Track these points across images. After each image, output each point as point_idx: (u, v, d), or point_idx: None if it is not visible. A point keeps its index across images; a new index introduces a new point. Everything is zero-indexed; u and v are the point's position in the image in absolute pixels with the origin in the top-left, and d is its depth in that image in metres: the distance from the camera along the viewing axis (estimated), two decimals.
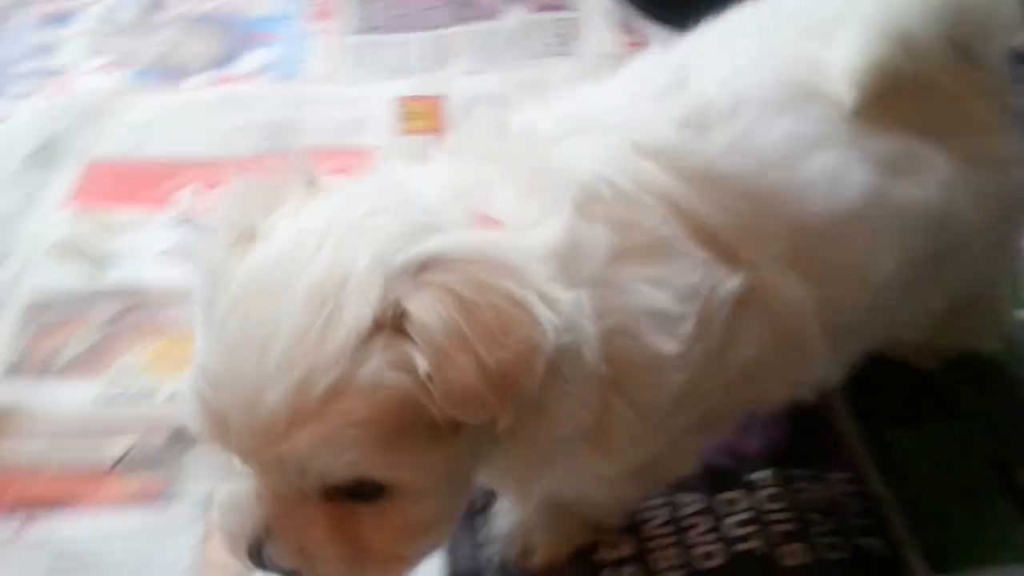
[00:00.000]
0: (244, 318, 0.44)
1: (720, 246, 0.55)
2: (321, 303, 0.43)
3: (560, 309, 0.45)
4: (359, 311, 0.43)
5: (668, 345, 0.52)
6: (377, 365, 0.43)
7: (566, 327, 0.45)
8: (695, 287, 0.53)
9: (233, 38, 1.32)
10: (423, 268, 0.44)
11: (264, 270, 0.46)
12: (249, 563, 0.49)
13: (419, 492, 0.47)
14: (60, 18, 1.35)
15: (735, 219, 0.55)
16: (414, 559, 0.51)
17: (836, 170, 0.57)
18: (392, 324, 0.43)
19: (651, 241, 0.53)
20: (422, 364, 0.42)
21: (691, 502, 0.72)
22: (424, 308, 0.43)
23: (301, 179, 0.50)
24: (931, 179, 0.59)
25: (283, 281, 0.44)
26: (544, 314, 0.44)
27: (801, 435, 0.77)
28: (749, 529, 0.70)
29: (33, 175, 1.06)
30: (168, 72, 1.25)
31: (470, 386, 0.42)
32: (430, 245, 0.45)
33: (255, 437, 0.44)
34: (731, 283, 0.54)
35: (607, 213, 0.52)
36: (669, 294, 0.52)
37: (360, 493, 0.46)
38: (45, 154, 1.08)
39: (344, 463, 0.44)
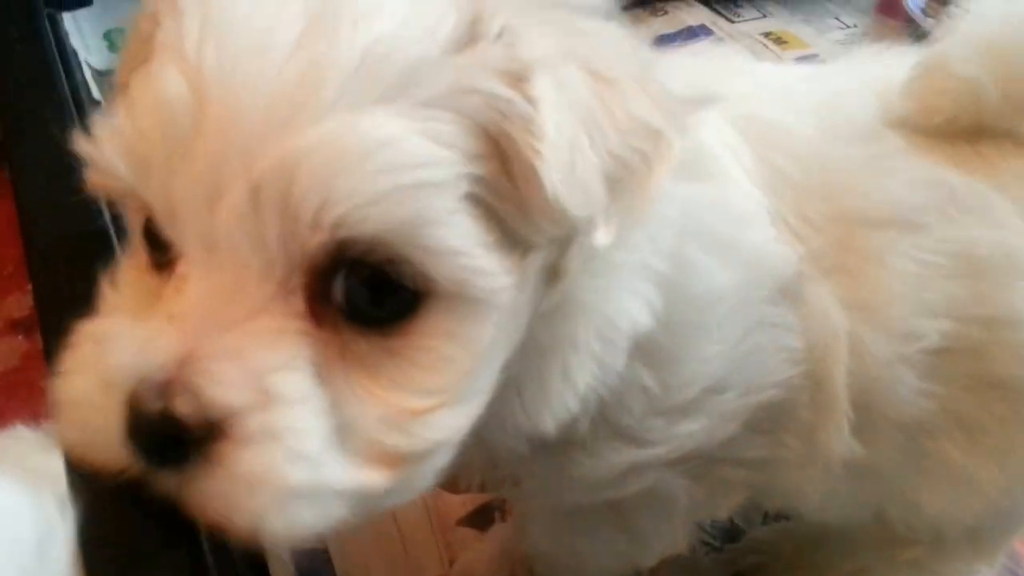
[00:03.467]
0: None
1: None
2: None
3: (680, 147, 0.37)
4: (462, 7, 0.33)
5: (720, 274, 0.44)
6: (473, 77, 0.32)
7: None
8: (750, 216, 0.46)
9: None
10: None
11: None
12: (124, 442, 0.29)
13: (468, 309, 0.33)
14: None
15: (786, 184, 0.48)
16: (429, 432, 0.34)
17: (894, 165, 0.49)
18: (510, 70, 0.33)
19: (701, 160, 0.45)
20: (543, 122, 0.32)
21: None
22: (548, 52, 0.33)
23: None
24: (996, 222, 0.49)
25: None
26: (673, 124, 0.36)
27: None
28: None
29: None
30: None
31: (585, 168, 0.33)
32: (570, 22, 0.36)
33: (246, 133, 0.30)
34: (785, 250, 0.47)
35: None
36: (721, 214, 0.45)
37: (374, 306, 0.32)
38: None
39: (379, 209, 0.29)
